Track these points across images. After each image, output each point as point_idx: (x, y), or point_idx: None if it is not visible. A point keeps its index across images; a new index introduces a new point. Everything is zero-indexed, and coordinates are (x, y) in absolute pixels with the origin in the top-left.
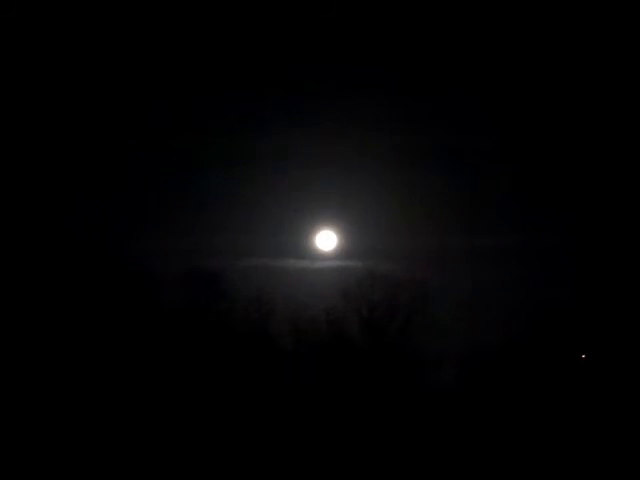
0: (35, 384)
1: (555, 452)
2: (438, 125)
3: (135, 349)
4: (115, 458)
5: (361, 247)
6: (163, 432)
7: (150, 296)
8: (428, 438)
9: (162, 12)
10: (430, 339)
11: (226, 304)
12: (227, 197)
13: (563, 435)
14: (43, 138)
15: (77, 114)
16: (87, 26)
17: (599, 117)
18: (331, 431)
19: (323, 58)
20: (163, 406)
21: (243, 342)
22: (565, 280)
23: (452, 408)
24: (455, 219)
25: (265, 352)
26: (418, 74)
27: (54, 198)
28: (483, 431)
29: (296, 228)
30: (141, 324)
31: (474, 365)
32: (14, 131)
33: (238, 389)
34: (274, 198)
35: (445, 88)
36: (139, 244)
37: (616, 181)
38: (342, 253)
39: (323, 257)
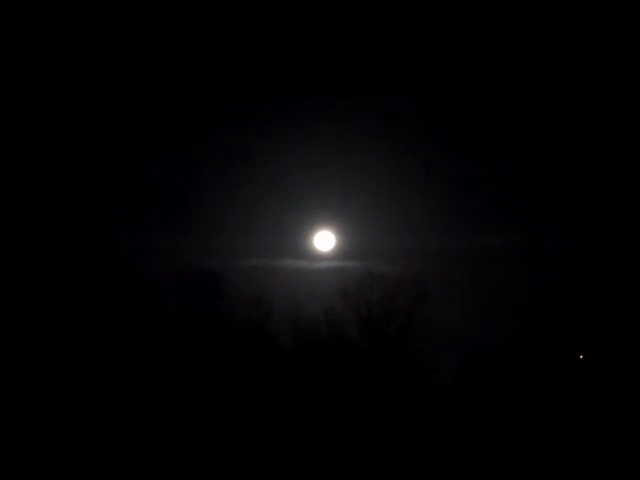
0: (31, 380)
1: (555, 452)
2: (438, 125)
3: (134, 349)
4: (115, 458)
5: (359, 247)
6: (162, 432)
7: (149, 296)
8: (427, 438)
9: (162, 12)
10: (429, 339)
11: (225, 304)
12: (226, 197)
13: (563, 435)
14: (43, 138)
15: (77, 114)
16: (87, 26)
17: (599, 117)
18: (330, 431)
19: (323, 58)
20: (162, 405)
21: (242, 342)
22: (565, 280)
23: (451, 408)
24: (454, 219)
25: (264, 352)
26: (418, 74)
27: (54, 197)
28: (482, 431)
29: (295, 228)
30: (140, 324)
31: (472, 365)
32: (14, 131)
33: (237, 388)
34: (273, 198)
35: (445, 88)
36: (138, 244)
37: (616, 182)
38: (341, 253)
39: (322, 257)
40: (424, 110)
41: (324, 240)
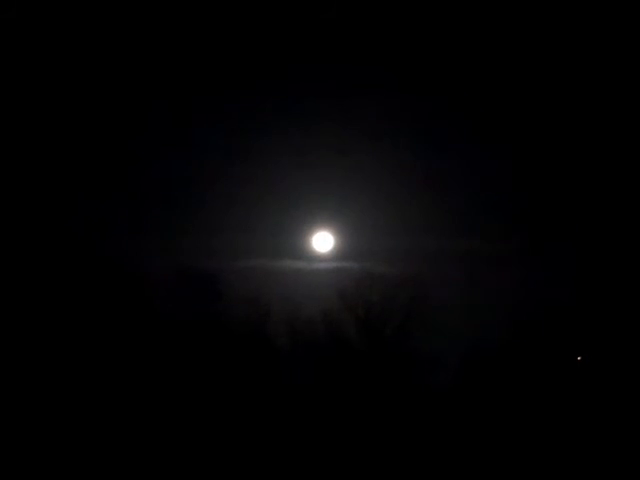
0: (31, 380)
1: (554, 452)
2: (438, 125)
3: (132, 349)
4: (114, 458)
5: (358, 248)
6: (161, 433)
7: (147, 296)
8: (426, 438)
9: (162, 12)
10: (428, 340)
11: (223, 304)
12: (224, 198)
13: (563, 435)
14: (42, 138)
15: (77, 114)
16: (87, 26)
17: (599, 117)
18: (328, 432)
19: (323, 58)
20: (160, 406)
21: (240, 343)
22: (565, 281)
23: (449, 409)
24: (453, 220)
25: (262, 353)
26: (418, 74)
27: (54, 197)
28: (481, 431)
29: (293, 229)
30: (138, 324)
31: (472, 366)
32: (14, 131)
33: (235, 390)
34: (271, 199)
35: (445, 88)
36: (136, 244)
37: (616, 182)
38: (339, 254)
39: (320, 258)
40: (423, 110)
41: (323, 241)
